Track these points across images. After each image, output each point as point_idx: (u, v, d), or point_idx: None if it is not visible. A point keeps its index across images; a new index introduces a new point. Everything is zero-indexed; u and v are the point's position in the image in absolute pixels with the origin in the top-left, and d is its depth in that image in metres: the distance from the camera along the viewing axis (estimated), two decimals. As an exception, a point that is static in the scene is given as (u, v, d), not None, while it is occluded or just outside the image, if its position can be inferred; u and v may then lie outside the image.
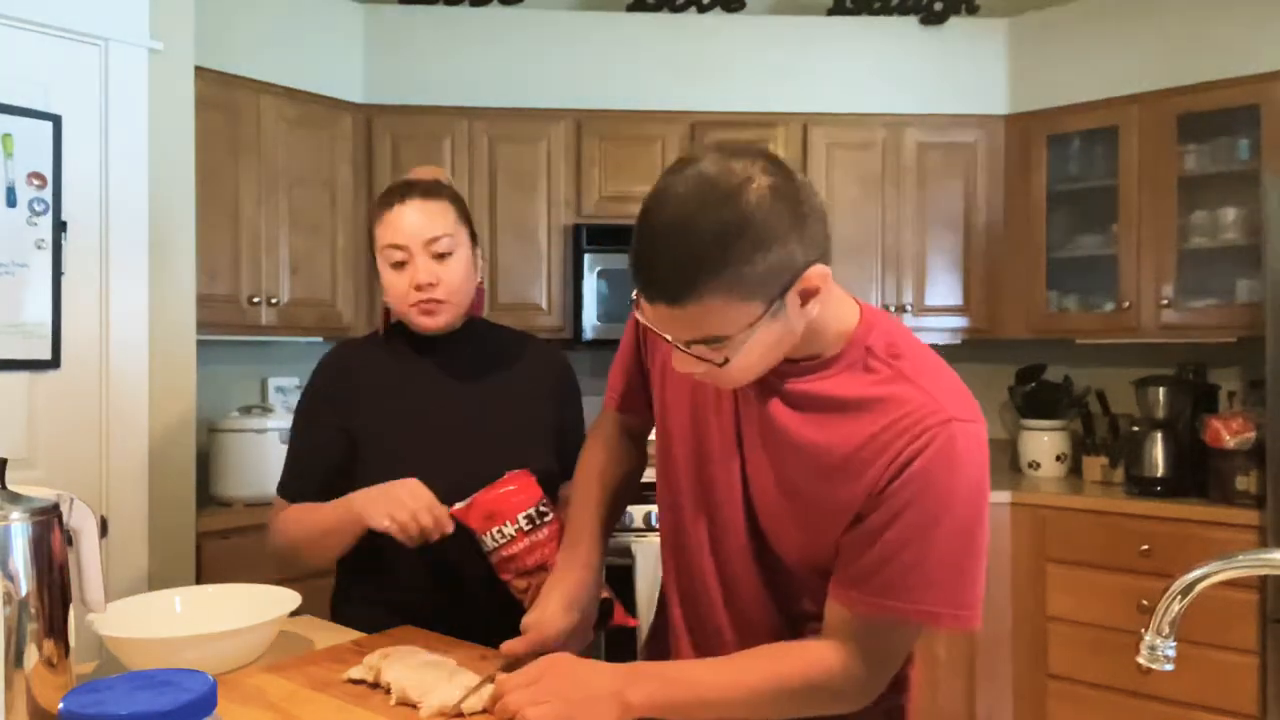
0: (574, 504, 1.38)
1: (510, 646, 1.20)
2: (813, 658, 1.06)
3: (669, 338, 1.01)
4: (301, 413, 1.61)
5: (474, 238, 1.59)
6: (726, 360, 1.00)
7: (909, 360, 1.07)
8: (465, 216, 1.58)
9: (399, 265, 1.52)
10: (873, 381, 1.06)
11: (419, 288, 1.50)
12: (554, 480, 1.64)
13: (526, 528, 1.38)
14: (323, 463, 1.57)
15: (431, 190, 1.55)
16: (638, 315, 1.04)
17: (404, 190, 1.54)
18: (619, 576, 2.80)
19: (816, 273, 0.99)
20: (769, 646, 1.09)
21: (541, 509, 1.40)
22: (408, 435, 1.55)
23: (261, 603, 1.33)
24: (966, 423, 1.02)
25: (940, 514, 1.01)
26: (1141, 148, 3.19)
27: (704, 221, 0.93)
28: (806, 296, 1.00)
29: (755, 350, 1.00)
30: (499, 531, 1.38)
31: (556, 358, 1.72)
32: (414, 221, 1.51)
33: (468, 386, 1.60)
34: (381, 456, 1.54)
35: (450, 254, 1.52)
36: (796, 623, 1.17)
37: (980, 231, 3.50)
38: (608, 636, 2.41)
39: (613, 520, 1.39)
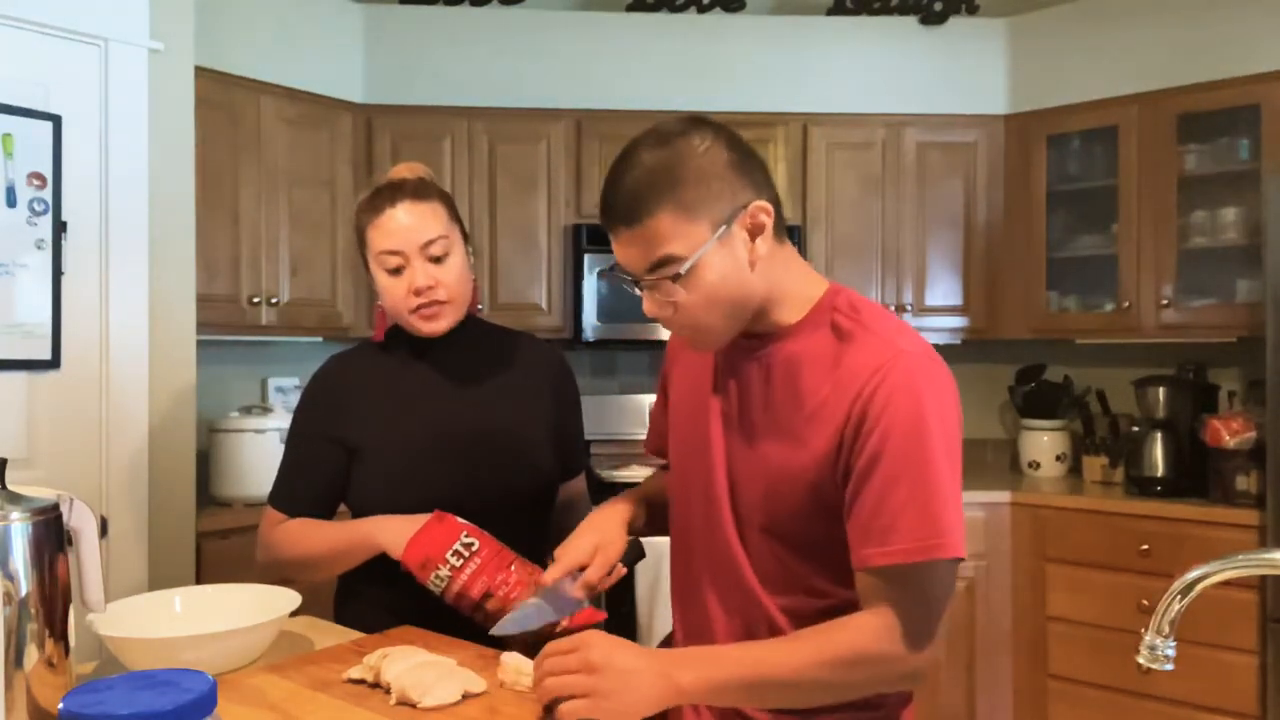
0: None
1: (589, 577, 1.24)
2: (856, 625, 1.06)
3: (634, 276, 1.11)
4: (296, 426, 1.59)
5: (465, 235, 1.57)
6: (685, 294, 1.08)
7: (867, 313, 1.15)
8: (455, 215, 1.56)
9: (396, 271, 1.50)
10: (837, 335, 1.13)
11: (418, 292, 1.48)
12: (553, 480, 1.64)
13: (457, 564, 1.38)
14: (318, 475, 1.56)
15: (421, 190, 1.52)
16: (615, 265, 1.14)
17: (393, 192, 1.51)
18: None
19: (760, 207, 1.10)
20: (813, 626, 1.08)
21: (465, 540, 1.39)
22: (407, 442, 1.54)
23: (261, 603, 1.33)
24: (918, 355, 1.09)
25: (918, 443, 1.04)
26: (1141, 148, 3.19)
27: (648, 156, 1.09)
28: (754, 232, 1.10)
29: (709, 278, 1.08)
30: (437, 576, 1.39)
31: (553, 355, 1.71)
32: (407, 225, 1.48)
33: (466, 389, 1.59)
34: (382, 465, 1.53)
35: (447, 255, 1.51)
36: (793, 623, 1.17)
37: (980, 231, 3.50)
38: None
39: (658, 497, 1.40)
